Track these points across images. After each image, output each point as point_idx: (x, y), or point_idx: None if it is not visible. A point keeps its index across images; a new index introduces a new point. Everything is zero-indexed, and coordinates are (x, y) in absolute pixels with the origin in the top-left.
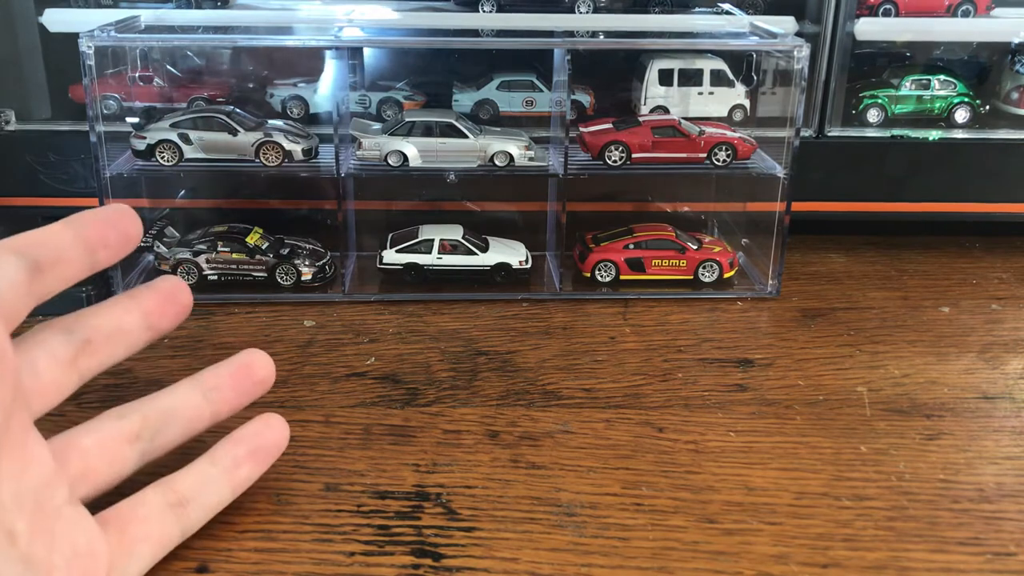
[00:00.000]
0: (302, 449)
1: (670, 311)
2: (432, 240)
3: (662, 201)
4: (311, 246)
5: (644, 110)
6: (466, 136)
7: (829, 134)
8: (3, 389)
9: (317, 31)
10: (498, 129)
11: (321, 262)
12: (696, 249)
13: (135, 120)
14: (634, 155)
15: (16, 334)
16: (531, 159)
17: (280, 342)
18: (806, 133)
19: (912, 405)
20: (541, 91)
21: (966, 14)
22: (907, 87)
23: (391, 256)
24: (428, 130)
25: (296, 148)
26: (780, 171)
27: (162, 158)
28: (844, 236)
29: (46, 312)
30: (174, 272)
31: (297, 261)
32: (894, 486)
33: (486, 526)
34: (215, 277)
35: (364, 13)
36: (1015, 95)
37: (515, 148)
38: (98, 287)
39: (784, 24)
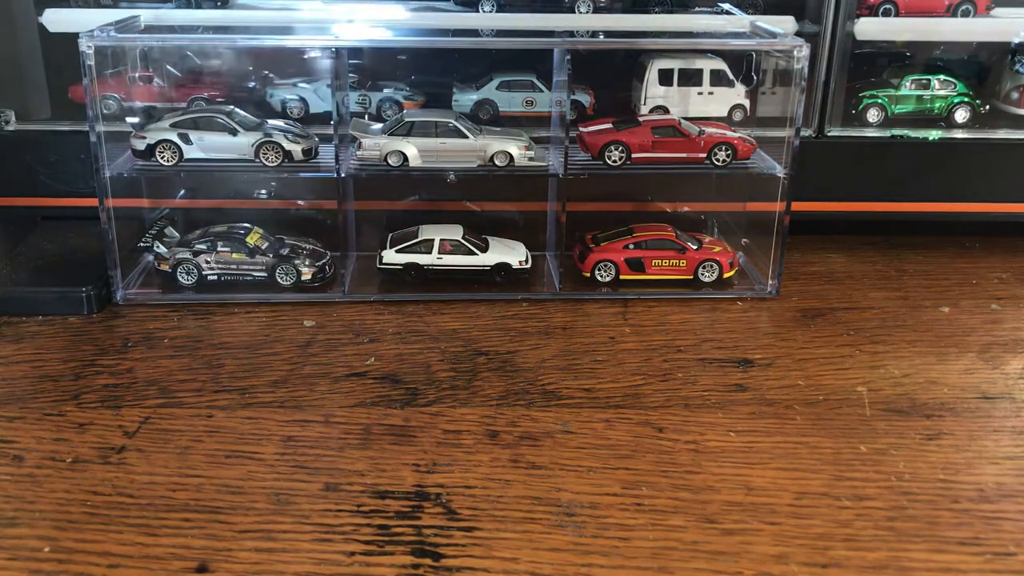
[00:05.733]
0: (302, 449)
1: (670, 311)
2: (432, 240)
3: (662, 201)
4: (311, 246)
5: (644, 110)
6: (466, 136)
7: (829, 134)
8: None
9: (317, 31)
10: (498, 129)
11: (321, 262)
12: (696, 249)
13: (135, 120)
14: (634, 155)
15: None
16: (531, 159)
17: (280, 342)
18: (806, 133)
19: (912, 405)
20: (541, 91)
21: (966, 14)
22: (907, 87)
23: (391, 256)
24: (428, 130)
25: (296, 148)
26: (780, 171)
27: (162, 158)
28: (844, 236)
29: (47, 311)
30: (174, 272)
31: (297, 261)
32: (894, 486)
33: (486, 526)
34: (215, 277)
35: (364, 13)
36: (1015, 95)
37: (515, 148)
38: (98, 287)
39: (784, 24)
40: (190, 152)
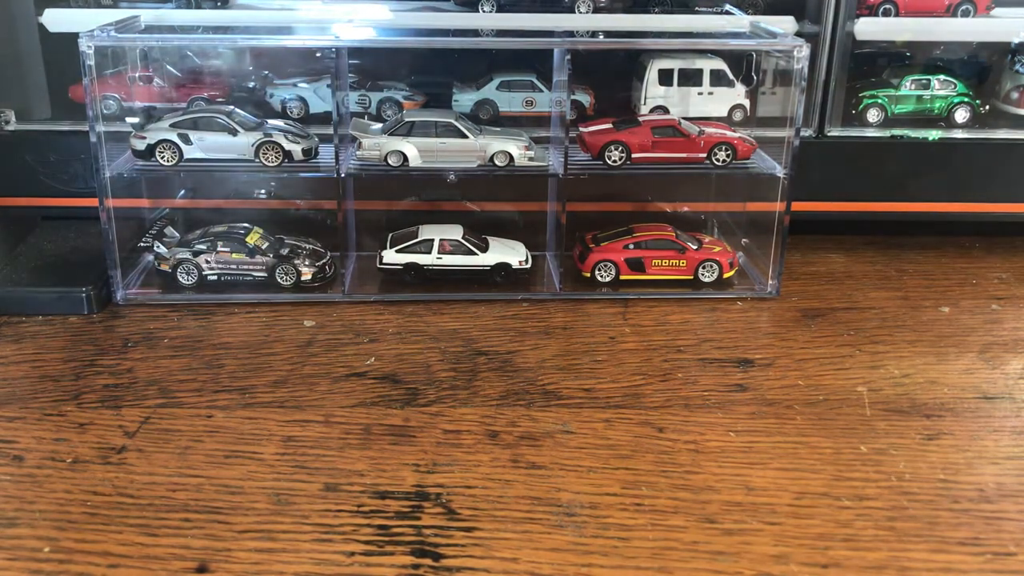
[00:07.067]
0: (302, 449)
1: (670, 311)
2: (432, 240)
3: (662, 201)
4: (311, 246)
5: (644, 110)
6: (466, 136)
7: (829, 134)
8: None
9: (317, 31)
10: (498, 129)
11: (321, 262)
12: (696, 249)
13: (135, 120)
14: (634, 155)
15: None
16: (531, 159)
17: (280, 342)
18: (806, 133)
19: (912, 405)
20: (541, 91)
21: (966, 14)
22: (907, 87)
23: (391, 256)
24: (428, 130)
25: (296, 148)
26: (780, 171)
27: (162, 158)
28: (844, 236)
29: (47, 312)
30: (174, 272)
31: (297, 261)
32: (894, 486)
33: (486, 526)
34: (215, 277)
35: (364, 13)
36: (1015, 95)
37: (515, 148)
38: (98, 287)
39: (784, 24)
40: (190, 152)
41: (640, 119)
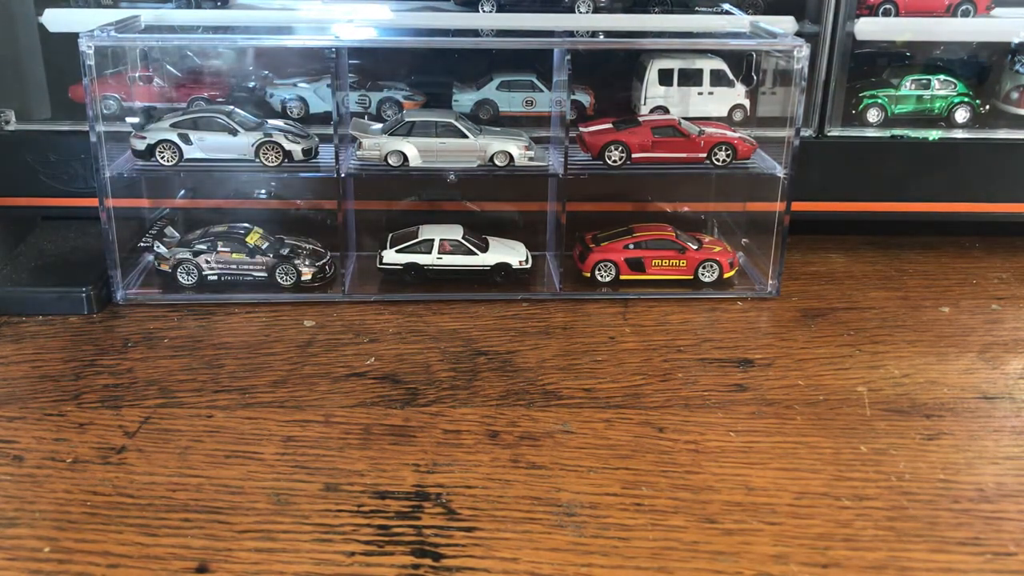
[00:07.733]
0: (302, 449)
1: (670, 311)
2: (432, 240)
3: (662, 201)
4: (311, 246)
5: (644, 110)
6: (466, 136)
7: (829, 134)
8: None
9: (317, 31)
10: (498, 129)
11: (321, 262)
12: (696, 249)
13: (135, 120)
14: (634, 155)
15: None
16: (531, 159)
17: (280, 342)
18: (806, 133)
19: (912, 405)
20: (541, 91)
21: (966, 14)
22: (907, 87)
23: (391, 256)
24: (428, 130)
25: (296, 148)
26: (780, 171)
27: (162, 158)
28: (844, 236)
29: (47, 311)
30: (174, 272)
31: (297, 261)
32: (894, 486)
33: (486, 526)
34: (215, 277)
35: (364, 13)
36: (1015, 95)
37: (515, 148)
38: (98, 287)
39: (784, 24)
40: (190, 152)
41: (640, 119)
